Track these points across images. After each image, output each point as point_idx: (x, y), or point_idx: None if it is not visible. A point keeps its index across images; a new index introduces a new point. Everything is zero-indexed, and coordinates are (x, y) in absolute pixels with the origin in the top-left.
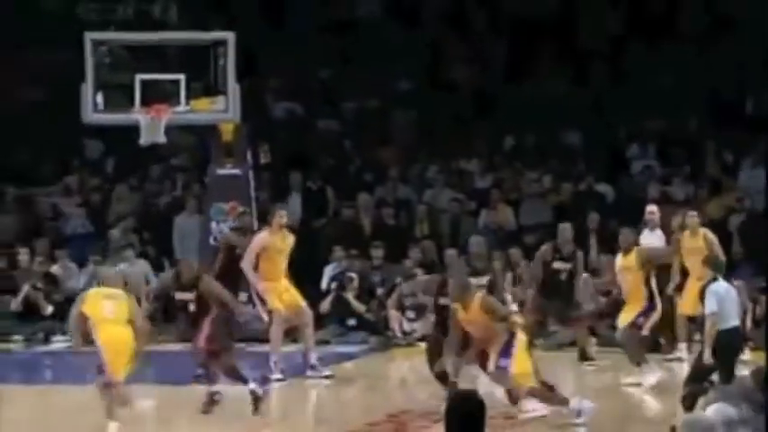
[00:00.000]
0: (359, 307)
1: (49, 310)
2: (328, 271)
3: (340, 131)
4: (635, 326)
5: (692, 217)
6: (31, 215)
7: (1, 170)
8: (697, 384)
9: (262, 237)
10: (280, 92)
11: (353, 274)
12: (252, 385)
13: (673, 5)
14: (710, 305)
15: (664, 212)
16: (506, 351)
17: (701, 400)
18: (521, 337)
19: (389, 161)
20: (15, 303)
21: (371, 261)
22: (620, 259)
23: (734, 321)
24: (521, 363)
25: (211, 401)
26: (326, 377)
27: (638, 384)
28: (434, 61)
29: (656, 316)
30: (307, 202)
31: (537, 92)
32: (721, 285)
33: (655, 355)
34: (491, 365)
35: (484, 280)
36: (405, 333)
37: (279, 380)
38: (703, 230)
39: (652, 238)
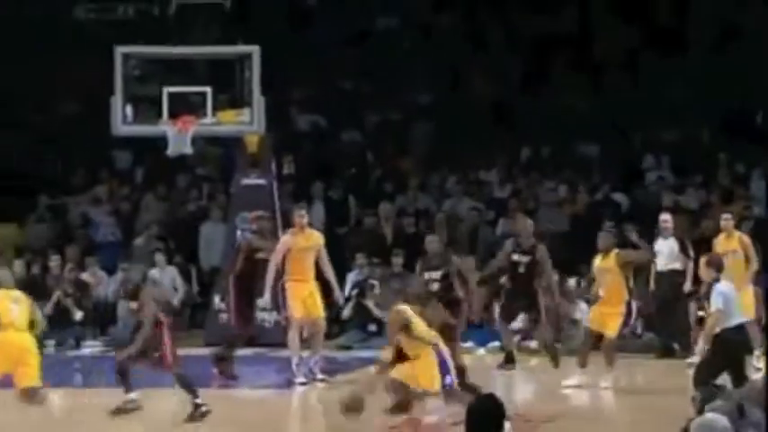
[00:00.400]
0: (379, 313)
1: (79, 315)
2: (350, 278)
3: (362, 143)
4: (621, 336)
5: (727, 219)
6: (63, 223)
7: (34, 180)
8: (704, 386)
9: (285, 239)
10: (303, 104)
11: (375, 281)
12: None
13: (685, 19)
14: (716, 303)
15: (677, 221)
16: (444, 368)
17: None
18: (446, 350)
19: (410, 171)
20: (46, 309)
21: (392, 268)
22: (598, 261)
23: (739, 319)
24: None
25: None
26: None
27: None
28: (453, 75)
29: (632, 319)
30: (329, 211)
31: (553, 104)
32: (726, 285)
33: (668, 360)
34: (435, 387)
35: (437, 274)
36: None
37: (302, 383)
38: (738, 233)
39: (666, 246)
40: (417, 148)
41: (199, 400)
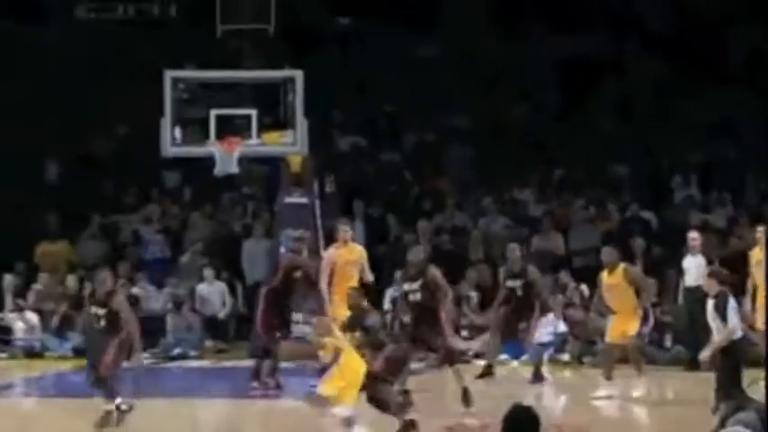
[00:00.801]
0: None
1: None
2: (390, 293)
3: (400, 163)
4: (640, 335)
5: (761, 232)
6: (115, 241)
7: (88, 199)
8: (728, 398)
9: (329, 253)
10: (344, 126)
11: None
12: (118, 400)
13: (713, 45)
14: (732, 319)
15: (705, 239)
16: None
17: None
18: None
19: (447, 191)
20: None
21: None
22: (605, 276)
23: (742, 331)
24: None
25: (111, 416)
26: None
27: (610, 397)
28: (488, 99)
29: (650, 322)
30: (369, 229)
31: (584, 126)
32: (733, 299)
33: (696, 372)
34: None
35: (416, 285)
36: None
37: None
38: None
39: (694, 263)
40: (454, 168)
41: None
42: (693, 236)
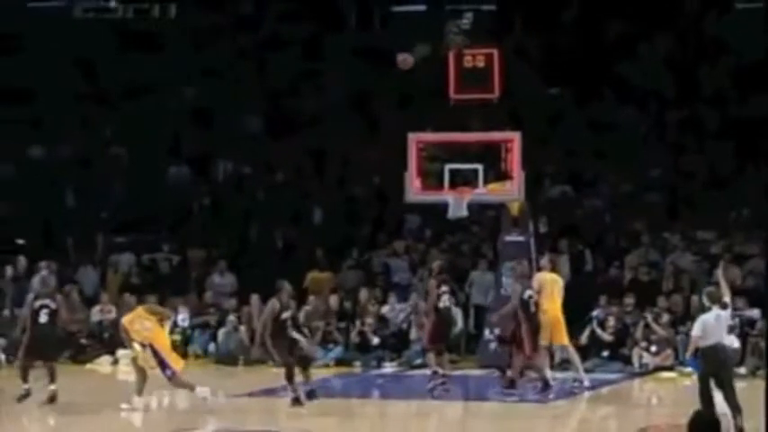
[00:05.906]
0: (607, 338)
1: (375, 341)
2: (595, 314)
3: (602, 208)
4: None
5: None
6: (369, 270)
7: (347, 239)
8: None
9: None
10: (554, 177)
11: (612, 317)
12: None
13: None
14: (695, 330)
15: None
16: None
17: None
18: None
19: (641, 231)
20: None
21: (624, 307)
22: None
23: (714, 340)
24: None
25: None
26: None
27: None
28: (676, 153)
29: None
30: (572, 262)
31: (759, 178)
32: (712, 314)
33: None
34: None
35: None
36: (642, 365)
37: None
38: None
39: None
40: (647, 212)
41: None
42: None
